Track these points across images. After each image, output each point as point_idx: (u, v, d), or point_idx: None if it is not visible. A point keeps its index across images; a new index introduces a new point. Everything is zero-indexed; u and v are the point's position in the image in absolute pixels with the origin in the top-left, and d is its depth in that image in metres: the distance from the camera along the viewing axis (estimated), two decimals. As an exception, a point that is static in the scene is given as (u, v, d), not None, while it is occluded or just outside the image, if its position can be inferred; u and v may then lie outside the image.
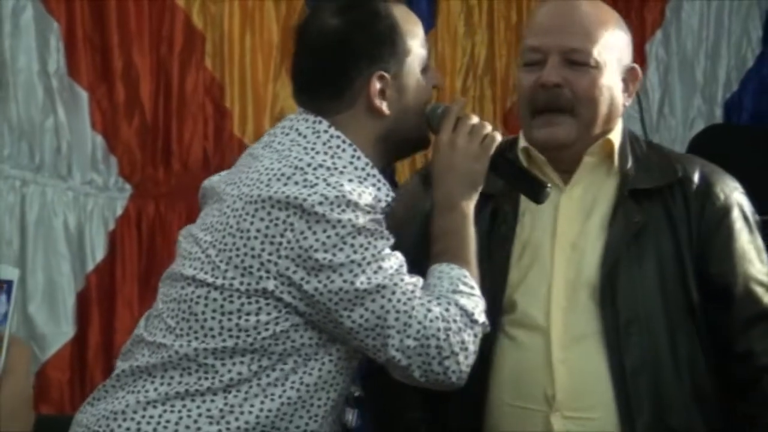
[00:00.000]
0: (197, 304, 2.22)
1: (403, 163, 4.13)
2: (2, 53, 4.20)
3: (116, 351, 4.20)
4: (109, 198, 4.35)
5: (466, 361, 2.21)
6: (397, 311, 2.18)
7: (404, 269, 2.22)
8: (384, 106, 2.29)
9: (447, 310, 2.21)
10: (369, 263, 2.17)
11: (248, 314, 2.19)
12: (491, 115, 4.67)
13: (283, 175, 2.19)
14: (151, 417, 2.20)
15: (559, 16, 2.48)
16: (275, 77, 4.50)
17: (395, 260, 2.21)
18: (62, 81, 4.28)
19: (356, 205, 2.17)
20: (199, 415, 2.19)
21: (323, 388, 2.24)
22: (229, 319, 2.20)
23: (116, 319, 4.33)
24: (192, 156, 4.41)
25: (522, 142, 2.51)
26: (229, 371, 2.20)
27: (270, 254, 2.17)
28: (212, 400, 2.20)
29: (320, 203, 2.16)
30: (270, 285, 2.18)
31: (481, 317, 2.24)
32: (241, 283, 2.19)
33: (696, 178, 2.49)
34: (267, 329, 2.19)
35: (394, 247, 2.24)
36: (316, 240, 2.16)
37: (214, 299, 2.20)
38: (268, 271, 2.18)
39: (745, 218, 2.52)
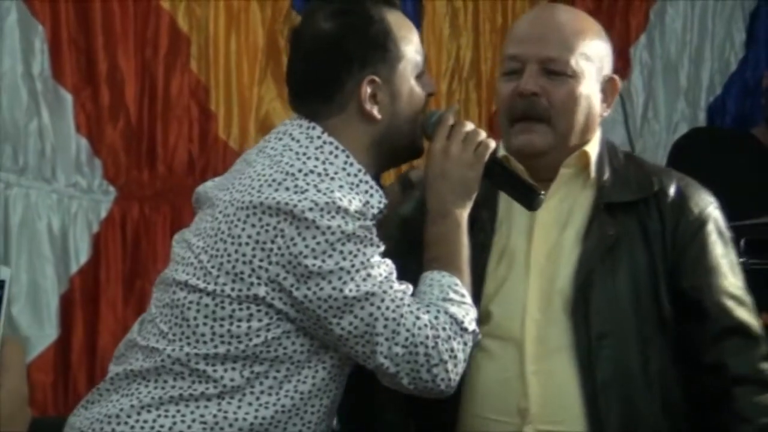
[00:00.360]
0: (189, 309, 2.21)
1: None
2: (-14, 55, 4.20)
3: (100, 353, 4.26)
4: (93, 201, 4.34)
5: (456, 369, 2.21)
6: (386, 318, 2.18)
7: (394, 276, 2.22)
8: (375, 111, 2.29)
9: (436, 318, 2.21)
10: (358, 270, 2.17)
11: (240, 320, 2.19)
12: (476, 118, 4.68)
13: (274, 180, 2.19)
14: (145, 422, 2.20)
15: (539, 26, 2.48)
16: (260, 80, 4.50)
17: (385, 267, 2.21)
18: (47, 83, 4.27)
19: (346, 211, 2.17)
20: (193, 420, 2.19)
21: (317, 396, 2.24)
22: (221, 325, 2.19)
23: (100, 321, 4.32)
24: (177, 159, 4.40)
25: (501, 151, 2.51)
26: (222, 377, 2.19)
27: (261, 260, 2.17)
28: (206, 406, 2.20)
29: (310, 209, 2.15)
30: (261, 291, 2.18)
31: (471, 326, 2.24)
32: (233, 289, 2.19)
33: (672, 191, 2.50)
34: (258, 336, 2.19)
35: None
36: (306, 246, 2.15)
37: (206, 305, 2.20)
38: (259, 278, 2.17)
39: (720, 232, 2.53)
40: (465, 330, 2.23)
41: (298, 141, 2.26)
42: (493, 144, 2.35)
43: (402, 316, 2.19)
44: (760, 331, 2.52)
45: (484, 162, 2.33)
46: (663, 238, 2.46)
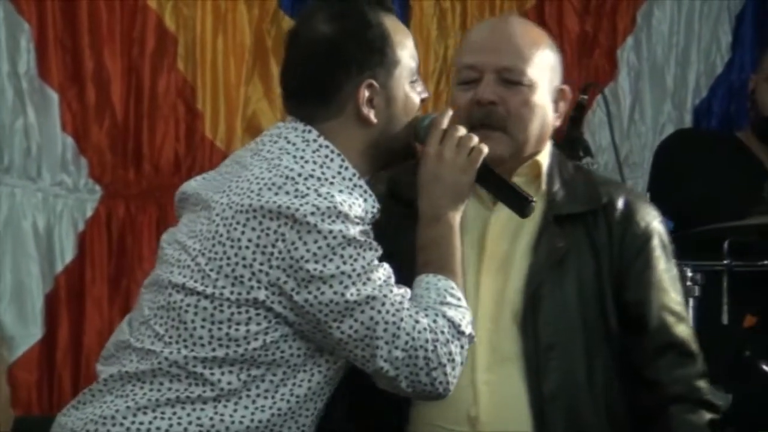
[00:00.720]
0: (186, 312, 2.21)
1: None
2: (-28, 54, 4.19)
3: (85, 352, 4.26)
4: (78, 199, 4.34)
5: (453, 372, 2.23)
6: (386, 322, 2.19)
7: (392, 280, 2.23)
8: (372, 115, 2.30)
9: (435, 321, 2.22)
10: (359, 275, 2.18)
11: (238, 324, 2.19)
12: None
13: (274, 184, 2.19)
14: (141, 423, 2.20)
15: (494, 36, 2.53)
16: (247, 80, 4.49)
17: (384, 271, 2.22)
18: (32, 82, 4.27)
19: (346, 216, 2.18)
20: (189, 423, 2.19)
21: (312, 399, 2.25)
22: (219, 329, 2.20)
23: (85, 320, 4.32)
24: (163, 158, 4.40)
25: None
26: (219, 380, 2.20)
27: (261, 264, 2.17)
28: (202, 409, 2.20)
29: (312, 213, 2.16)
30: (261, 295, 2.18)
31: (468, 329, 2.26)
32: (232, 293, 2.19)
33: (620, 204, 2.54)
34: (257, 339, 2.20)
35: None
36: (307, 250, 2.16)
37: (204, 308, 2.20)
38: (259, 281, 2.18)
39: (664, 246, 2.57)
40: (462, 333, 2.25)
41: (294, 144, 2.27)
42: (485, 149, 2.36)
43: (402, 320, 2.20)
44: (697, 349, 2.59)
45: (477, 167, 2.34)
46: (610, 250, 2.51)
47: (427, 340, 2.21)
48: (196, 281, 2.21)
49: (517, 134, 2.49)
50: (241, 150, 2.37)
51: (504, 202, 2.40)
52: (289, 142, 2.28)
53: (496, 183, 2.38)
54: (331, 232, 2.17)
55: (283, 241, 2.17)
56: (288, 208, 2.17)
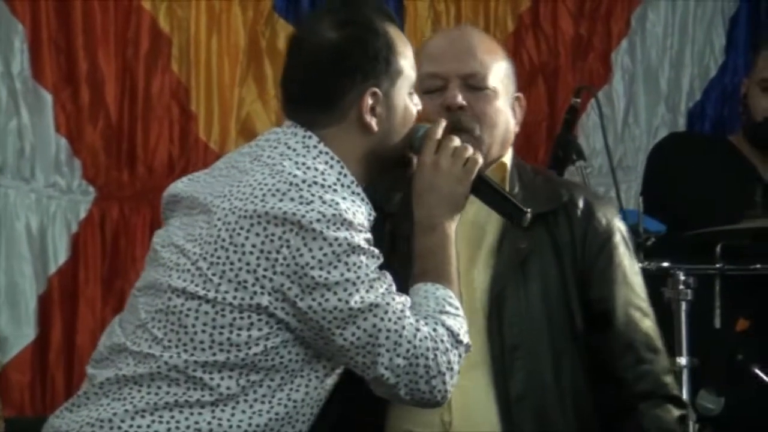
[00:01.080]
0: (187, 316, 2.21)
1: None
2: (-34, 55, 4.19)
3: (78, 353, 4.25)
4: (72, 201, 4.34)
5: (451, 380, 2.24)
6: (389, 330, 2.20)
7: (393, 288, 2.24)
8: (373, 123, 2.31)
9: (435, 330, 2.23)
10: (363, 282, 2.19)
11: (240, 329, 2.19)
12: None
13: (278, 190, 2.19)
14: (139, 426, 2.19)
15: (455, 44, 2.59)
16: (241, 81, 4.49)
17: (385, 279, 2.24)
18: (26, 83, 4.27)
19: (350, 223, 2.19)
20: (187, 427, 2.19)
21: (308, 404, 2.26)
22: (221, 333, 2.19)
23: (78, 321, 4.31)
24: (157, 159, 4.40)
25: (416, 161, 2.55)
26: (218, 385, 2.20)
27: (265, 270, 2.18)
28: (200, 413, 2.20)
29: (318, 220, 2.17)
30: (264, 300, 2.18)
31: (465, 338, 2.27)
32: (234, 298, 2.19)
33: (580, 203, 2.58)
34: (258, 345, 2.20)
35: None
36: (312, 257, 2.17)
37: (206, 312, 2.20)
38: (262, 287, 2.18)
39: (626, 244, 2.61)
40: (460, 342, 2.26)
41: (294, 150, 2.27)
42: (480, 159, 2.38)
43: (404, 327, 2.21)
44: (661, 345, 2.61)
45: (473, 177, 2.36)
46: (573, 249, 2.55)
47: (428, 348, 2.22)
48: (197, 285, 2.21)
49: (486, 137, 2.54)
50: (234, 154, 2.37)
51: (499, 212, 2.42)
52: (289, 148, 2.28)
53: (492, 193, 2.40)
54: (336, 239, 2.17)
55: (288, 247, 2.17)
56: (294, 214, 2.17)
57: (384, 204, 2.40)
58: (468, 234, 2.52)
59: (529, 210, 2.37)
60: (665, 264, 3.42)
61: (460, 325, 2.27)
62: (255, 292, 2.18)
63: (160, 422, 2.19)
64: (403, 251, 2.47)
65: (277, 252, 2.17)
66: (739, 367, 3.49)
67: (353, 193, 2.27)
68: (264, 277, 2.18)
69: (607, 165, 4.15)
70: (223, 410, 2.20)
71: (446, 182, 2.34)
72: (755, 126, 3.93)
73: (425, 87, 2.52)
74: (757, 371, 3.51)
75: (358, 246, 2.20)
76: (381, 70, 2.31)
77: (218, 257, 2.20)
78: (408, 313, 2.23)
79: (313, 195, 2.19)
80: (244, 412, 2.21)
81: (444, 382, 2.23)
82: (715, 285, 3.52)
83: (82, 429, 2.22)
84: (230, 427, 2.20)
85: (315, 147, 2.28)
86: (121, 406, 2.21)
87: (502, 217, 2.42)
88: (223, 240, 2.20)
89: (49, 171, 4.30)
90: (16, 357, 4.25)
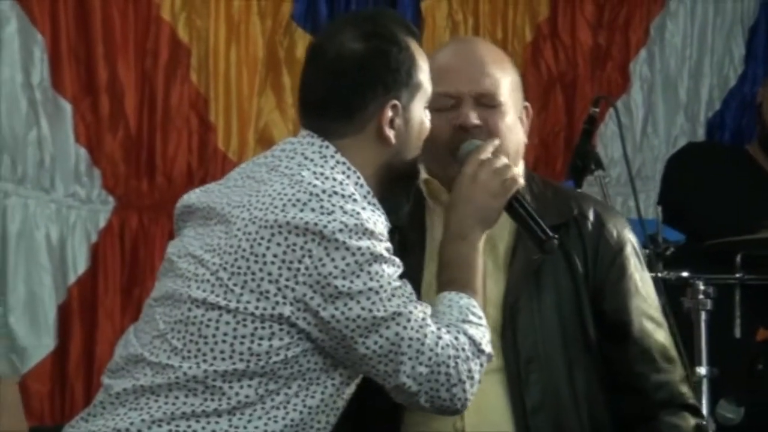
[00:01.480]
0: (207, 326, 2.21)
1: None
2: (-14, 65, 4.21)
3: (97, 363, 4.26)
4: (91, 210, 4.35)
5: (472, 389, 2.25)
6: (411, 338, 2.21)
7: (414, 296, 2.25)
8: (392, 135, 2.32)
9: (456, 338, 2.24)
10: (385, 291, 2.20)
11: (261, 339, 2.19)
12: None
13: (298, 200, 2.20)
14: None
15: (465, 61, 2.57)
16: (260, 91, 4.50)
17: (407, 287, 2.25)
18: (46, 93, 4.28)
19: (372, 233, 2.20)
20: None
21: (324, 411, 2.25)
22: (242, 343, 2.19)
23: (98, 331, 4.32)
24: (176, 169, 4.41)
25: (423, 174, 2.58)
26: (237, 394, 2.20)
27: (287, 279, 2.18)
28: (217, 422, 2.20)
29: (340, 230, 2.17)
30: (286, 311, 2.18)
31: (488, 347, 2.28)
32: (257, 308, 2.19)
33: (590, 215, 2.59)
34: (278, 354, 2.20)
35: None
36: (335, 267, 2.17)
37: (227, 322, 2.20)
38: (284, 297, 2.18)
39: (637, 255, 2.61)
40: (482, 352, 2.27)
41: (312, 160, 2.28)
42: (521, 182, 2.41)
43: (426, 336, 2.22)
44: (677, 354, 2.61)
45: (509, 195, 2.38)
46: (585, 261, 2.55)
47: (449, 356, 2.22)
48: (217, 296, 2.21)
49: (500, 152, 2.51)
50: (249, 164, 2.37)
51: (528, 235, 2.44)
52: (306, 158, 2.28)
53: (523, 216, 2.42)
54: (359, 248, 2.18)
55: (310, 257, 2.17)
56: (315, 224, 2.17)
57: (392, 218, 2.41)
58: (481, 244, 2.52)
59: (557, 237, 2.39)
60: (685, 274, 3.41)
61: (482, 334, 2.28)
62: (277, 302, 2.18)
63: (177, 431, 2.19)
64: (412, 264, 2.47)
65: (299, 262, 2.18)
66: (759, 376, 3.48)
67: (369, 203, 2.28)
68: (286, 287, 2.18)
69: (626, 174, 4.14)
70: (240, 418, 2.20)
71: (481, 195, 2.36)
72: None
73: (436, 105, 2.50)
74: (777, 381, 3.50)
75: (380, 255, 2.20)
76: (402, 83, 2.31)
77: (239, 267, 2.20)
78: (429, 321, 2.23)
79: (333, 205, 2.19)
80: (260, 418, 2.21)
81: (464, 390, 2.24)
82: (735, 294, 3.52)
83: None
84: None
85: (332, 157, 2.29)
86: (137, 415, 2.21)
87: (530, 240, 2.43)
88: (244, 250, 2.20)
89: (69, 181, 4.32)
90: (35, 367, 4.25)
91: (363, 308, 2.18)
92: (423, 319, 2.22)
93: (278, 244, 2.18)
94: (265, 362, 2.19)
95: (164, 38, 4.40)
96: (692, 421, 2.57)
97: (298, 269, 2.17)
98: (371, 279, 2.18)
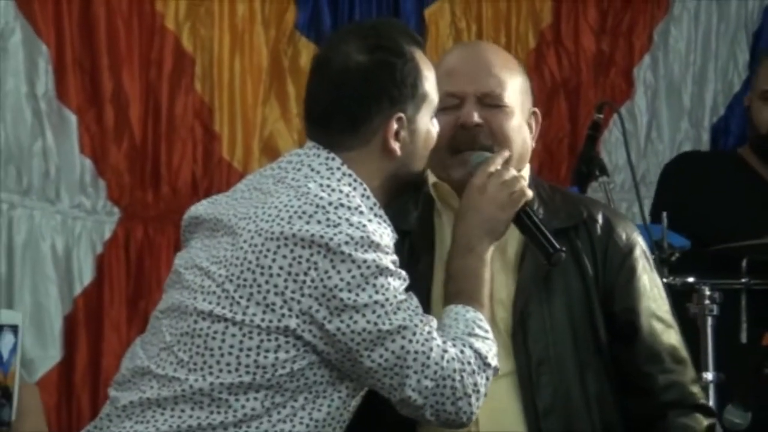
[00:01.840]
0: (213, 339, 2.21)
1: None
2: (-9, 76, 4.21)
3: (104, 375, 4.26)
4: (97, 221, 4.35)
5: (477, 402, 2.25)
6: (416, 352, 2.21)
7: (420, 310, 2.25)
8: (397, 148, 2.32)
9: (462, 352, 2.24)
10: (391, 304, 2.20)
11: (267, 351, 2.19)
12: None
13: (304, 212, 2.20)
14: None
15: (471, 62, 2.58)
16: (264, 101, 4.50)
17: (413, 300, 2.25)
18: (51, 104, 4.28)
19: (378, 246, 2.20)
20: None
21: (330, 424, 2.25)
22: (248, 356, 2.19)
23: (104, 342, 4.32)
24: (181, 179, 4.41)
25: (432, 178, 2.59)
26: (243, 407, 2.20)
27: (293, 292, 2.18)
28: None
29: (346, 243, 2.17)
30: (292, 323, 2.18)
31: (494, 361, 2.28)
32: (263, 320, 2.19)
33: (600, 218, 2.60)
34: (284, 367, 2.20)
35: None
36: (341, 279, 2.17)
37: (233, 335, 2.20)
38: (290, 309, 2.18)
39: (646, 257, 2.62)
40: (488, 365, 2.27)
41: (318, 172, 2.28)
42: (530, 194, 2.42)
43: (431, 349, 2.22)
44: (687, 355, 2.62)
45: (518, 208, 2.39)
46: (595, 264, 2.56)
47: (455, 370, 2.22)
48: (224, 308, 2.21)
49: (510, 165, 2.52)
50: (256, 176, 2.37)
51: (535, 247, 2.44)
52: (312, 170, 2.28)
53: (531, 228, 2.42)
54: (365, 261, 2.18)
55: (316, 269, 2.17)
56: (321, 237, 2.17)
57: (401, 223, 2.41)
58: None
59: (564, 250, 2.41)
60: (690, 279, 3.41)
61: (488, 348, 2.28)
62: (283, 315, 2.18)
63: None
64: (421, 269, 2.48)
65: (305, 274, 2.17)
66: (765, 381, 3.47)
67: (376, 215, 2.28)
68: (292, 299, 2.18)
69: (630, 180, 4.15)
70: (246, 431, 2.20)
71: (489, 206, 2.37)
72: (760, 139, 3.94)
73: (441, 105, 2.51)
74: (784, 386, 3.49)
75: (386, 268, 2.20)
76: (408, 96, 2.31)
77: (245, 279, 2.20)
78: (435, 334, 2.23)
79: (339, 217, 2.19)
80: (266, 431, 2.21)
81: (470, 404, 2.24)
82: (741, 300, 3.51)
83: None
84: None
85: (338, 169, 2.29)
86: (143, 428, 2.21)
87: (538, 252, 2.44)
88: (250, 262, 2.20)
89: (74, 192, 4.32)
90: (42, 378, 4.25)
91: (368, 321, 2.18)
92: (429, 332, 2.22)
93: (284, 257, 2.18)
94: (271, 375, 2.19)
95: (169, 48, 4.40)
96: (704, 421, 2.57)
97: (304, 281, 2.17)
98: (377, 292, 2.18)
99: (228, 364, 2.20)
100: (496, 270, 2.48)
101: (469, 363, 2.23)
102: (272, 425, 2.21)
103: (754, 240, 3.54)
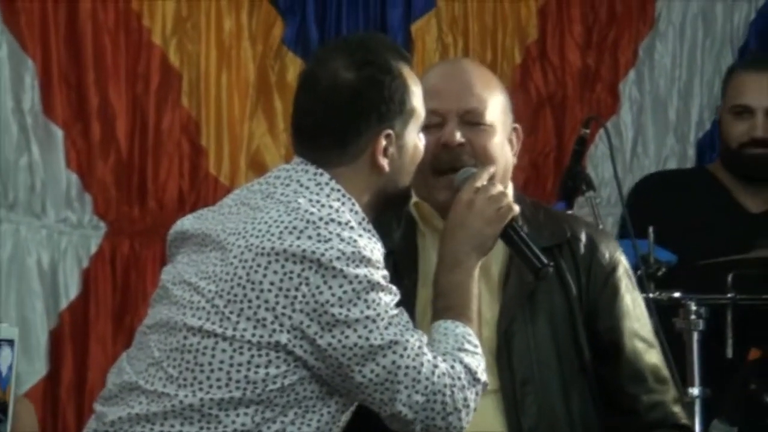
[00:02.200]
0: (204, 354, 2.21)
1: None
2: (-24, 91, 4.21)
3: (89, 389, 4.25)
4: (83, 236, 4.34)
5: (467, 417, 2.26)
6: (407, 367, 2.22)
7: (411, 325, 2.26)
8: (385, 164, 2.33)
9: (452, 367, 2.25)
10: (382, 319, 2.21)
11: (258, 366, 2.19)
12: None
13: (295, 228, 2.20)
14: None
15: (453, 79, 2.60)
16: (251, 115, 4.50)
17: (404, 316, 2.25)
18: (37, 118, 4.27)
19: (369, 261, 2.21)
20: None
21: None
22: (238, 371, 2.20)
23: (89, 357, 4.31)
24: (167, 194, 4.40)
25: (414, 198, 2.59)
26: (233, 422, 2.20)
27: (284, 307, 2.18)
28: None
29: (338, 258, 2.18)
30: (283, 338, 2.19)
31: (483, 376, 2.29)
32: (253, 335, 2.19)
33: (583, 237, 2.62)
34: (275, 382, 2.20)
35: None
36: (332, 295, 2.18)
37: (223, 350, 2.20)
38: (281, 324, 2.18)
39: (629, 276, 2.65)
40: (478, 380, 2.28)
41: (307, 188, 2.28)
42: (517, 209, 2.43)
43: (422, 364, 2.23)
44: (669, 375, 2.65)
45: (505, 223, 2.40)
46: (578, 282, 2.58)
47: (445, 385, 2.23)
48: (213, 323, 2.21)
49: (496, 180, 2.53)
50: (243, 190, 2.37)
51: (522, 262, 2.46)
52: (301, 185, 2.29)
53: (518, 243, 2.44)
54: (356, 276, 2.19)
55: (307, 285, 2.18)
56: (313, 252, 2.18)
57: (384, 242, 2.42)
58: None
59: (551, 264, 2.42)
60: (676, 294, 3.41)
61: (478, 363, 2.29)
62: (274, 330, 2.18)
63: None
64: (406, 287, 2.48)
65: (296, 290, 2.18)
66: (752, 396, 3.48)
67: (365, 230, 2.28)
68: (283, 314, 2.18)
69: (616, 195, 4.14)
70: None
71: (476, 221, 2.38)
72: (731, 154, 3.95)
73: (423, 123, 2.52)
74: (770, 401, 3.50)
75: (378, 283, 2.21)
76: (396, 112, 2.33)
77: (235, 295, 2.20)
78: (426, 349, 2.24)
79: (330, 233, 2.20)
80: None
81: (460, 419, 2.25)
82: (727, 315, 3.52)
83: None
84: None
85: (327, 184, 2.29)
86: None
87: (525, 266, 2.45)
88: (240, 277, 2.20)
89: (60, 206, 4.31)
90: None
91: (360, 336, 2.18)
92: (419, 347, 2.23)
93: (275, 272, 2.18)
94: (261, 390, 2.19)
95: (155, 63, 4.40)
96: None
97: (295, 297, 2.17)
98: (368, 307, 2.19)
99: (218, 380, 2.20)
100: (481, 290, 2.49)
101: (459, 378, 2.24)
102: None
103: (735, 256, 3.55)
